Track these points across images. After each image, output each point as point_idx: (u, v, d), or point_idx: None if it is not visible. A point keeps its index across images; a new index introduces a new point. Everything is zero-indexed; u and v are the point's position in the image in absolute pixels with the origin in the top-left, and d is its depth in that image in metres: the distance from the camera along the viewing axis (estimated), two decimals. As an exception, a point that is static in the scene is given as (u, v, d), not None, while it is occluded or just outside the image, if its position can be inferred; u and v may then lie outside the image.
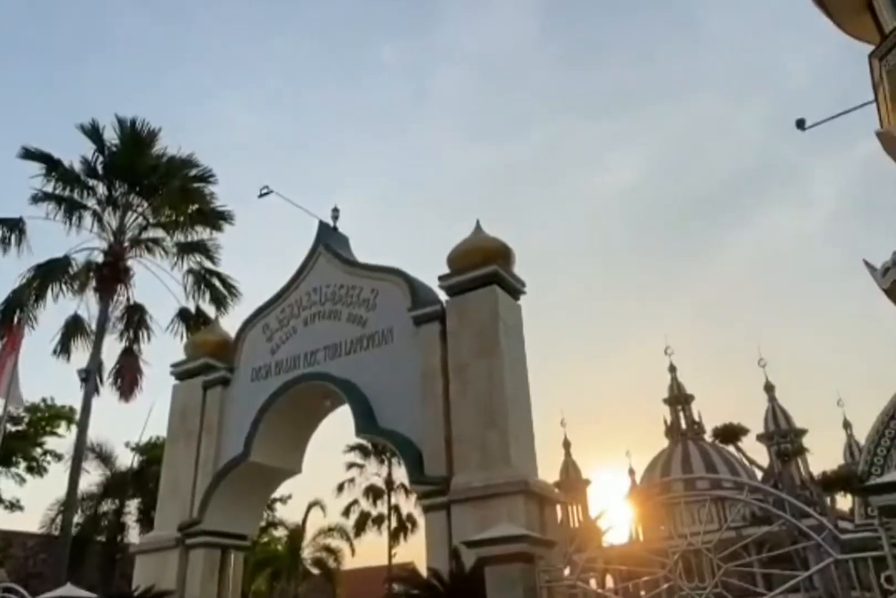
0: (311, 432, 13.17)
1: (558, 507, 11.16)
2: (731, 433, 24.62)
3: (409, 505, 34.54)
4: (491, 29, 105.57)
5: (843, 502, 27.77)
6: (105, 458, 25.25)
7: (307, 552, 35.54)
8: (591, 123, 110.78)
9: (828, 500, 27.59)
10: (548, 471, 45.53)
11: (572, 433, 48.49)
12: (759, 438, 38.03)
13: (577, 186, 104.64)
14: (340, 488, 35.77)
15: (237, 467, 12.03)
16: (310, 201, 13.23)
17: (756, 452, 38.38)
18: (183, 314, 17.57)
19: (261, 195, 13.24)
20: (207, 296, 17.42)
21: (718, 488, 31.65)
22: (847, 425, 40.79)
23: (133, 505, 25.62)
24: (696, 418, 45.20)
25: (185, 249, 17.90)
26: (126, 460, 26.08)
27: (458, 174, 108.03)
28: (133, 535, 24.67)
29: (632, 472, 45.46)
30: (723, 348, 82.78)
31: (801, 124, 11.85)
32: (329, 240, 12.92)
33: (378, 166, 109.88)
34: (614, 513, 8.08)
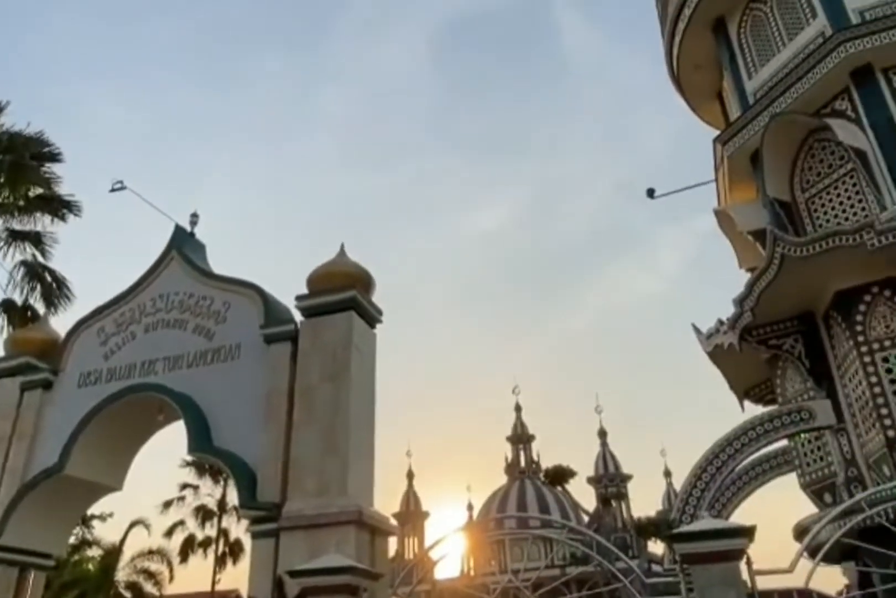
0: (139, 446, 12.41)
1: (394, 538, 11.14)
2: (560, 475, 25.69)
3: (239, 530, 33.13)
4: (382, 57, 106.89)
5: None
6: None
7: (122, 575, 33.08)
8: (467, 162, 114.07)
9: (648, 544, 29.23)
10: (390, 501, 45.30)
11: (418, 465, 48.66)
12: (589, 481, 40.03)
13: (446, 222, 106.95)
14: (167, 505, 33.74)
15: (49, 479, 11.10)
16: (169, 203, 12.58)
17: (589, 494, 40.36)
18: (6, 306, 15.95)
19: (113, 190, 12.46)
20: (38, 291, 15.93)
21: (549, 527, 32.68)
22: (668, 473, 43.54)
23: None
24: (535, 458, 46.65)
25: (17, 236, 16.32)
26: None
27: (329, 195, 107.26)
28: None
29: (470, 507, 46.02)
30: (567, 392, 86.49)
31: (651, 193, 12.89)
32: (184, 245, 12.32)
33: (248, 176, 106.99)
34: (448, 547, 8.17)
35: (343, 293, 10.49)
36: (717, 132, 12.88)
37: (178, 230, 12.46)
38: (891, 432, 8.68)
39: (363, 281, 10.85)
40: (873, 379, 9.05)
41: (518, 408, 47.64)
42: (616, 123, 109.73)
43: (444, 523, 48.54)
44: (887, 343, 9.16)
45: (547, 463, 44.78)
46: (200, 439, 10.29)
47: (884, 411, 8.84)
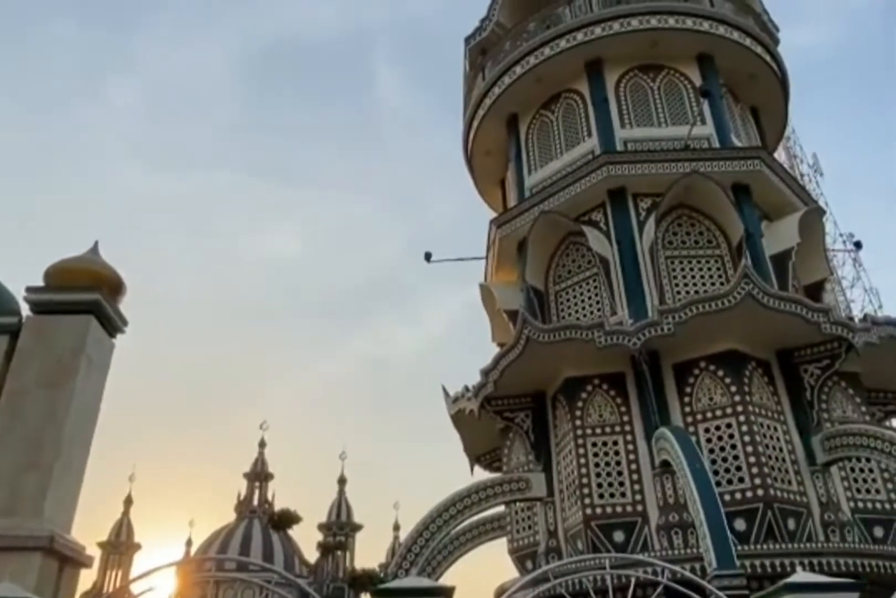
0: None
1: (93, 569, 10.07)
2: (286, 519, 25.09)
3: None
4: (191, 61, 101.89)
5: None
6: None
7: None
8: (261, 187, 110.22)
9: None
10: (101, 528, 41.26)
11: (141, 492, 45.03)
12: (320, 527, 39.51)
13: (228, 241, 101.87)
14: None
15: None
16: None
17: (316, 540, 39.58)
18: None
19: None
20: None
21: (269, 571, 31.68)
22: (397, 527, 44.20)
23: None
24: (270, 498, 45.19)
25: None
26: None
27: (100, 190, 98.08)
28: None
29: (189, 542, 43.26)
30: (317, 434, 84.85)
31: (427, 257, 13.66)
32: None
33: (10, 150, 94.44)
34: (155, 582, 7.59)
35: (85, 294, 9.52)
36: (495, 215, 14.04)
37: None
38: (588, 510, 9.63)
39: (112, 285, 9.91)
40: (582, 460, 10.01)
41: (262, 444, 46.16)
42: (414, 181, 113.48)
43: (157, 557, 45.06)
44: (598, 430, 10.23)
45: (282, 504, 43.62)
46: None
47: (586, 490, 9.78)
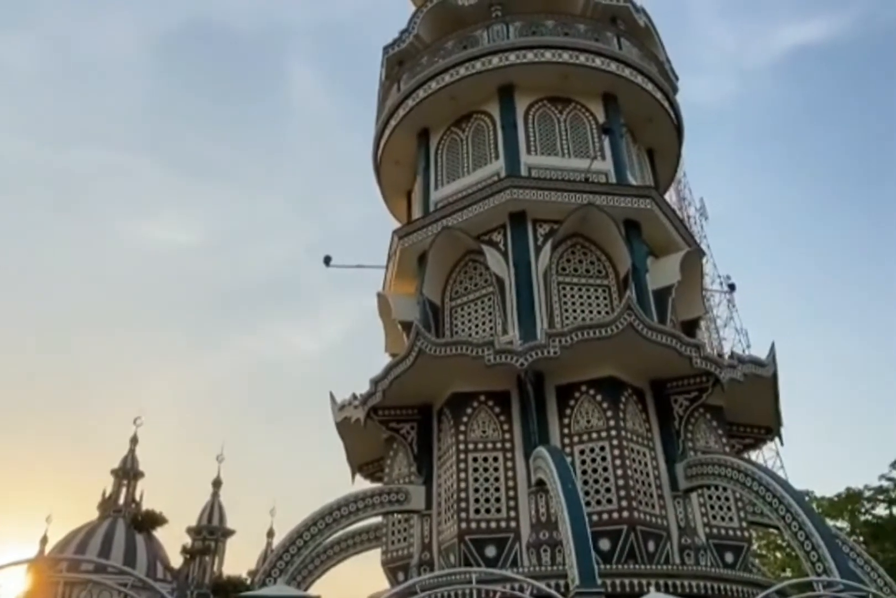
0: None
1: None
2: (150, 520, 24.23)
3: None
4: (102, 29, 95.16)
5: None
6: None
7: None
8: (163, 171, 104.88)
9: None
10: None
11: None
12: (189, 531, 38.21)
13: (116, 226, 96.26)
14: None
15: None
16: None
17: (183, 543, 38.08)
18: None
19: None
20: None
21: (127, 574, 30.19)
22: (271, 533, 43.26)
23: None
24: (138, 498, 43.31)
25: None
26: None
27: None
28: None
29: (45, 540, 40.77)
30: (196, 434, 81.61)
31: (327, 261, 13.56)
32: None
33: None
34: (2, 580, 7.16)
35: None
36: (399, 225, 14.15)
37: None
38: (464, 525, 9.75)
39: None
40: (462, 475, 10.15)
41: (135, 440, 44.17)
42: (320, 183, 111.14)
43: (7, 554, 42.18)
44: (480, 446, 10.43)
45: (151, 505, 41.92)
46: None
47: (463, 504, 9.90)
